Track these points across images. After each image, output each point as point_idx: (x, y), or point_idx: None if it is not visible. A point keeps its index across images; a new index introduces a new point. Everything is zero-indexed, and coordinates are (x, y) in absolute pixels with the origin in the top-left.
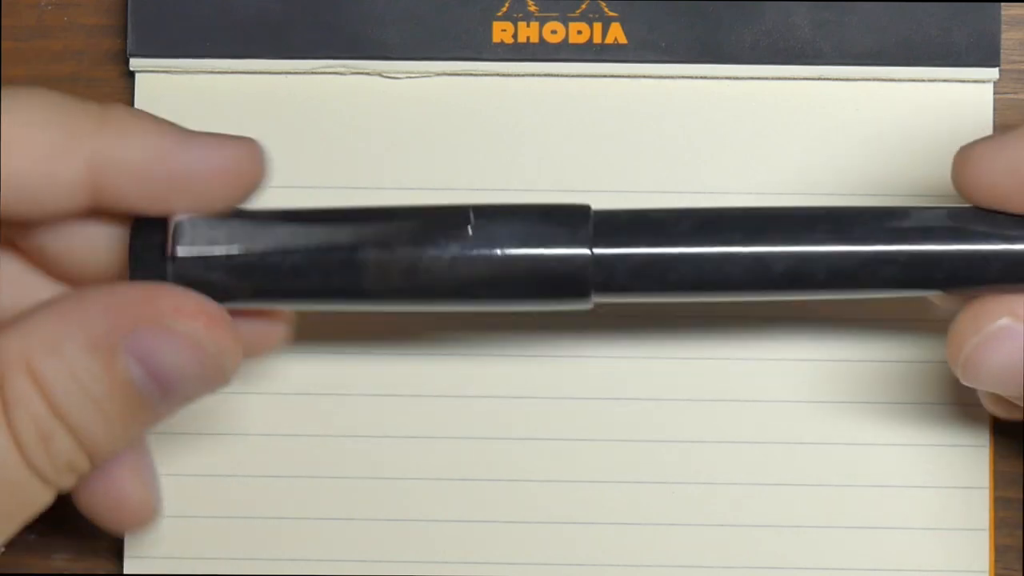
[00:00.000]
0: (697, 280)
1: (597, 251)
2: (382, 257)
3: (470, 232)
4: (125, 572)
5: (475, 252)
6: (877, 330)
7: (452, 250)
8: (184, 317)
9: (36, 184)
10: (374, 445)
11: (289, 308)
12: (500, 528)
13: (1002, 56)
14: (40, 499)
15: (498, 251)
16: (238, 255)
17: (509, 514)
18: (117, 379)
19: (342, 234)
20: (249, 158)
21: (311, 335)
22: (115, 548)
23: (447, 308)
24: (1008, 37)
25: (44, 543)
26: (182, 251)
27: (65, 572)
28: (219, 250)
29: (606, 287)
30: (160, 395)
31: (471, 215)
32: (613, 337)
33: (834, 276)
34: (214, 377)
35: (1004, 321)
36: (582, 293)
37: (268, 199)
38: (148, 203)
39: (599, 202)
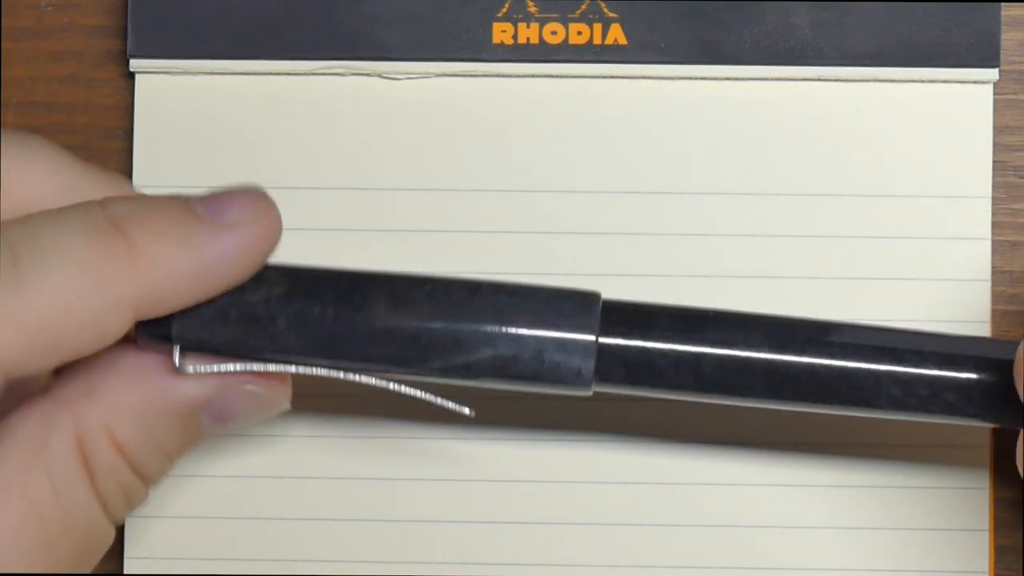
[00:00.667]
0: (702, 381)
1: (603, 340)
2: (390, 327)
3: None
4: (125, 572)
5: (480, 329)
6: None
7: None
8: (259, 379)
9: (82, 344)
10: (375, 445)
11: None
12: (497, 529)
13: (1002, 57)
14: (111, 538)
15: (504, 329)
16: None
17: (506, 515)
18: (190, 433)
19: (356, 307)
20: (270, 232)
21: None
22: (115, 548)
23: (446, 382)
24: (1008, 38)
25: None
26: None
27: (65, 572)
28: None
29: (607, 379)
30: (218, 428)
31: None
32: None
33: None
34: (271, 414)
35: None
36: (584, 382)
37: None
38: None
39: (598, 205)
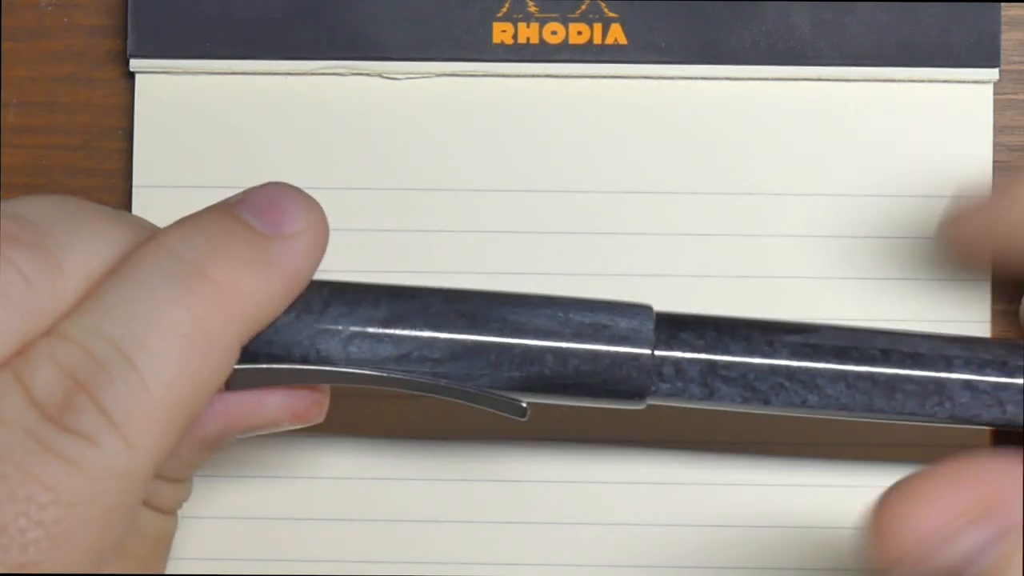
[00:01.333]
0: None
1: (659, 353)
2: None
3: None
4: None
5: (535, 343)
6: None
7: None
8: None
9: (208, 397)
10: (375, 445)
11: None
12: (500, 528)
13: (1002, 57)
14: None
15: (558, 344)
16: None
17: (506, 514)
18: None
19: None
20: (325, 232)
21: None
22: None
23: (497, 396)
24: (1008, 38)
25: None
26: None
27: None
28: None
29: (662, 391)
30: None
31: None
32: None
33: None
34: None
35: None
36: (640, 395)
37: None
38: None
39: (599, 205)
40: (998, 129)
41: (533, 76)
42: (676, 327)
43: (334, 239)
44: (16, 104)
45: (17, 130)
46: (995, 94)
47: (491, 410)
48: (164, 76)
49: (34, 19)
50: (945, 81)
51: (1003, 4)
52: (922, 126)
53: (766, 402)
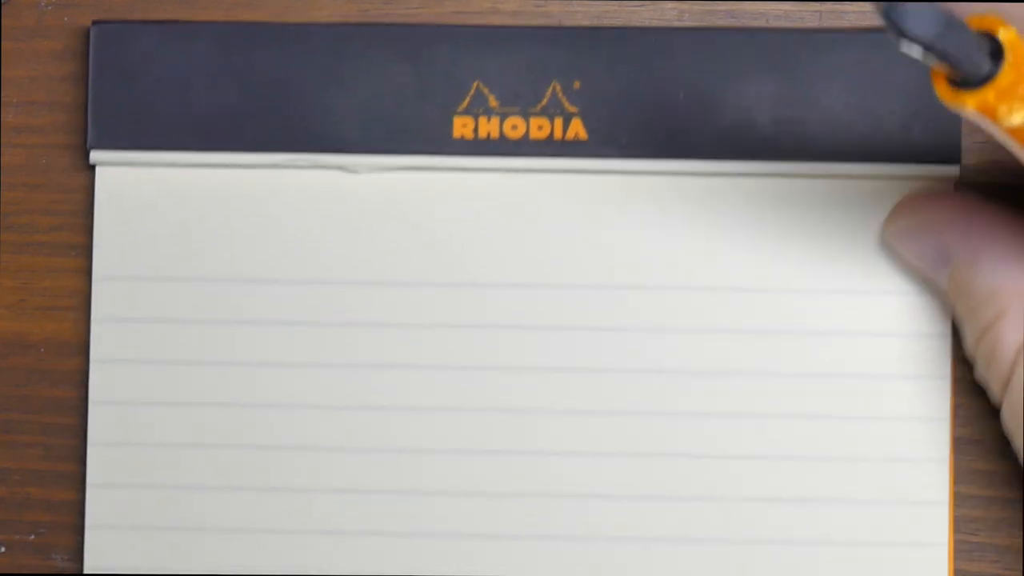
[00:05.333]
0: None
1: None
2: None
3: None
4: (85, 572)
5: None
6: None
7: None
8: None
9: None
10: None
11: None
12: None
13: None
14: None
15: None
16: None
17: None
18: None
19: None
20: None
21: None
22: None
23: None
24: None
25: (44, 543)
26: None
27: (65, 572)
28: None
29: None
30: None
31: None
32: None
33: None
34: None
35: None
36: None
37: (226, 292)
38: None
39: (562, 301)
40: None
41: (494, 170)
42: None
43: (294, 332)
44: (16, 104)
45: (17, 130)
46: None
47: None
48: (124, 168)
49: (34, 19)
50: (907, 178)
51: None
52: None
53: None
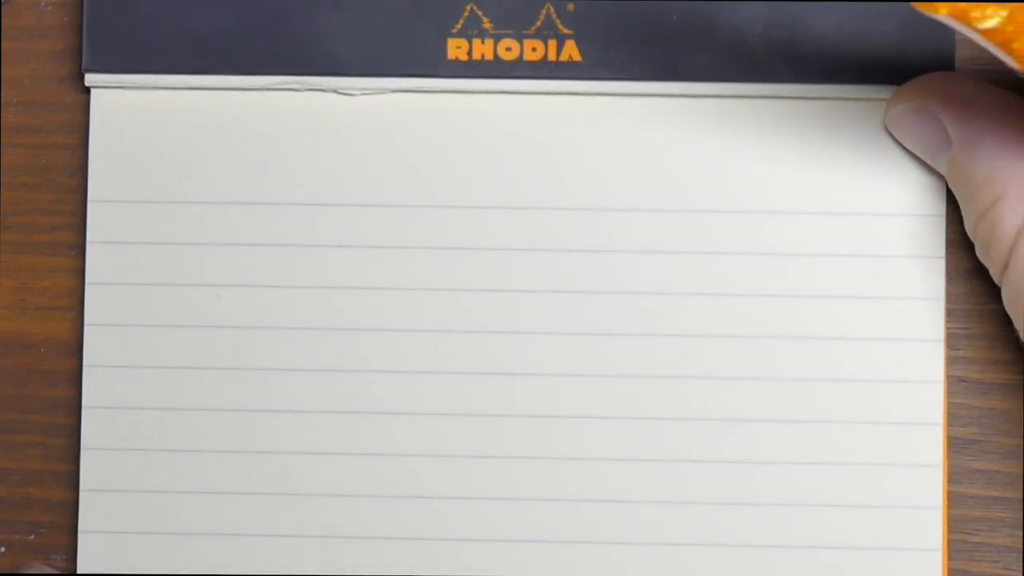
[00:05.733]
0: None
1: None
2: None
3: None
4: (79, 571)
5: None
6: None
7: None
8: None
9: None
10: (349, 465)
11: None
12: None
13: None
14: None
15: None
16: None
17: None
18: None
19: None
20: None
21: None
22: (71, 543)
23: None
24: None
25: (44, 543)
26: None
27: (65, 572)
28: None
29: None
30: None
31: None
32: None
33: None
34: None
35: None
36: None
37: (222, 215)
38: None
39: (554, 221)
40: None
41: (487, 92)
42: None
43: (289, 254)
44: (16, 104)
45: (17, 130)
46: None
47: None
48: (119, 91)
49: (34, 19)
50: None
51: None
52: (878, 142)
53: None
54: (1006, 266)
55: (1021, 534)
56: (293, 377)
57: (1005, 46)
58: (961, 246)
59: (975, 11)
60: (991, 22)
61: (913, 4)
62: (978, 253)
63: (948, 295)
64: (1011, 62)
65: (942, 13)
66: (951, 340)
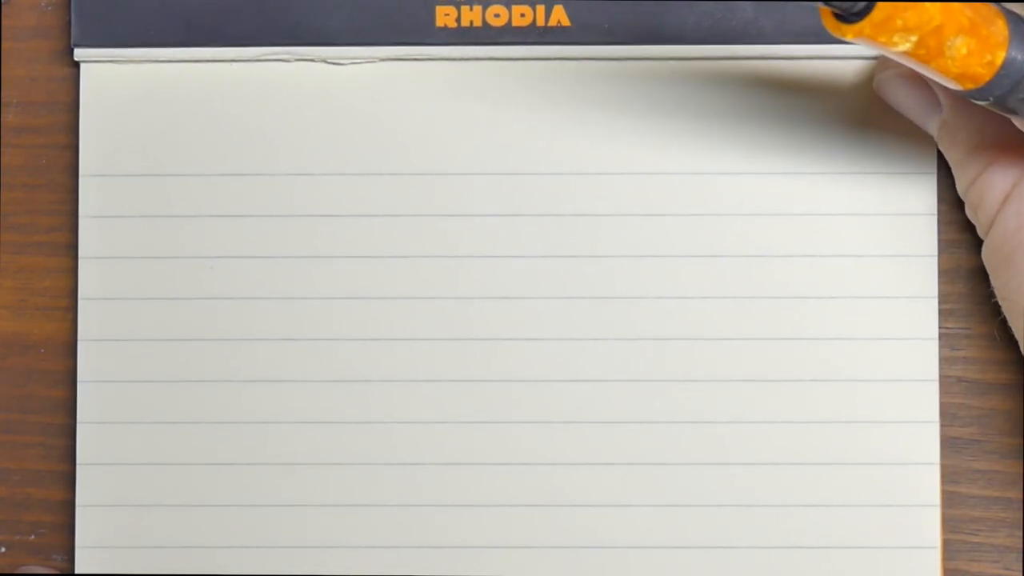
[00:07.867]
0: None
1: None
2: None
3: None
4: (76, 572)
5: None
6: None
7: None
8: None
9: None
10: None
11: None
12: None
13: None
14: None
15: None
16: None
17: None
18: None
19: None
20: None
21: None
22: (67, 542)
23: None
24: None
25: (44, 543)
26: None
27: (65, 572)
28: None
29: None
30: None
31: None
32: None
33: None
34: None
35: None
36: None
37: (213, 187)
38: None
39: (545, 187)
40: None
41: (477, 59)
42: None
43: (280, 224)
44: (16, 104)
45: (17, 130)
46: None
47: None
48: (108, 64)
49: (34, 19)
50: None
51: None
52: (866, 103)
53: None
54: (991, 226)
55: (1021, 534)
56: (288, 350)
57: (924, 66)
58: (960, 246)
59: (881, 37)
60: (902, 47)
61: (826, 29)
62: (967, 212)
63: (947, 295)
64: (938, 78)
65: (849, 37)
66: (951, 340)
